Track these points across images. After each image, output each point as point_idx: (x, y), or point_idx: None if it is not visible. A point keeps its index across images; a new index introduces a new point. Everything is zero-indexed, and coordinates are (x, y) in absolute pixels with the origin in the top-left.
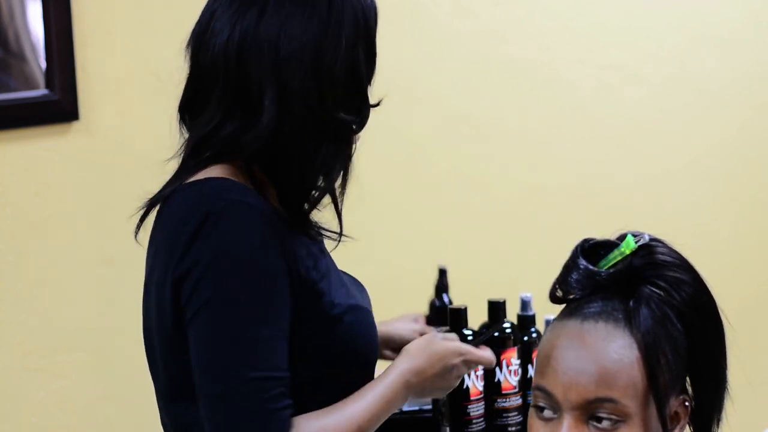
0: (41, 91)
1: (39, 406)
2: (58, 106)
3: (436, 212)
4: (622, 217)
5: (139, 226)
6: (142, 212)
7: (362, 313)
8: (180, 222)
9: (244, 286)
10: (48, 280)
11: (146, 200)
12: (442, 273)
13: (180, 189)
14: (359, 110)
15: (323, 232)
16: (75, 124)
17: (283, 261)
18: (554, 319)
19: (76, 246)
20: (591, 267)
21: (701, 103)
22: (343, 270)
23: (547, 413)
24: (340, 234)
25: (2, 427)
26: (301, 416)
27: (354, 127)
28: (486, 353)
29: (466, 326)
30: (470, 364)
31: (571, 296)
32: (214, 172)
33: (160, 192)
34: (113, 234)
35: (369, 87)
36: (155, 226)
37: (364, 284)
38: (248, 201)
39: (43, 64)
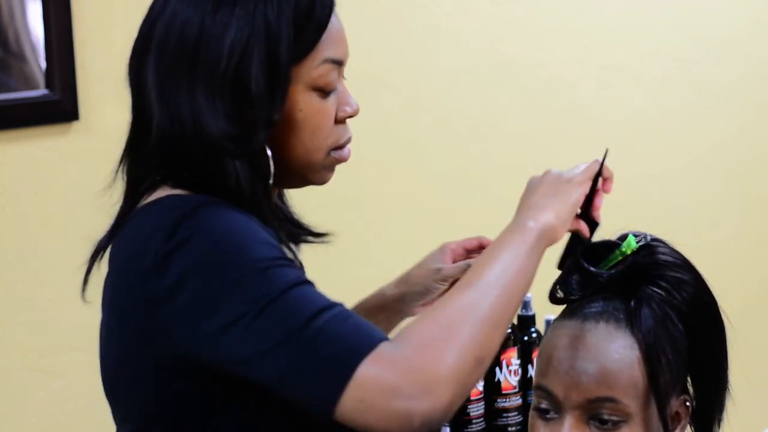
0: (41, 91)
1: (39, 406)
2: (58, 106)
3: (435, 212)
4: (622, 217)
5: (86, 280)
6: (87, 264)
7: None
8: (147, 236)
9: (242, 265)
10: (48, 280)
11: (92, 250)
12: None
13: (134, 215)
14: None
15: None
16: (75, 124)
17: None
18: (555, 319)
19: (77, 246)
20: (592, 268)
21: (701, 103)
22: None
23: (549, 413)
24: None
25: (2, 427)
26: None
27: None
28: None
29: None
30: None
31: (572, 297)
32: (170, 192)
33: (103, 239)
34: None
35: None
36: (112, 253)
37: (362, 286)
38: (216, 200)
39: (43, 64)
